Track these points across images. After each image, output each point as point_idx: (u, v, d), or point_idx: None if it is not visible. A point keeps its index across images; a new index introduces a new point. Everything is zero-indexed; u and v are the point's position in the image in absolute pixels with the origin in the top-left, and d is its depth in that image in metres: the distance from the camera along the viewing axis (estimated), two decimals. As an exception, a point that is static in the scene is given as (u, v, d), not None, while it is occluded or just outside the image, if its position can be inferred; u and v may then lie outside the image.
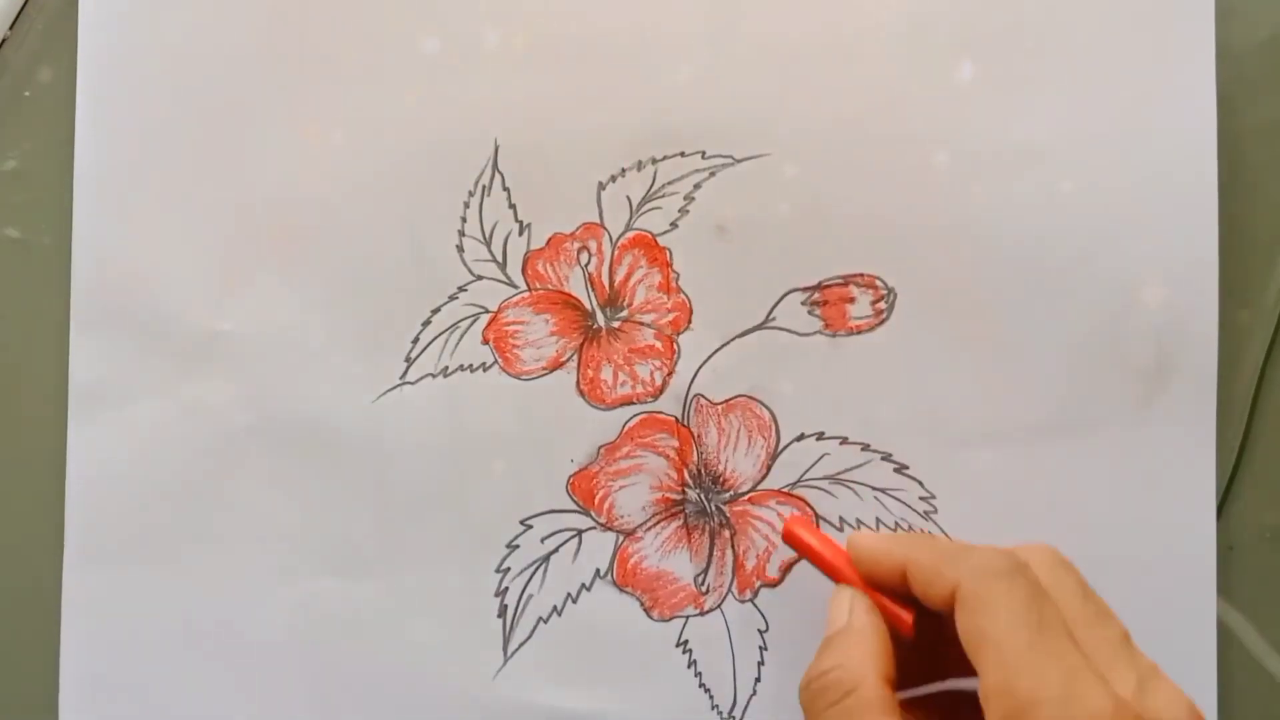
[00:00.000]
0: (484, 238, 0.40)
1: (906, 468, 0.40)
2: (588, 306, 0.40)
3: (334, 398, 0.40)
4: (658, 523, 0.40)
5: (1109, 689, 0.27)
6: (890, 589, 0.33)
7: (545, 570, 0.40)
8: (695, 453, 0.40)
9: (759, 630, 0.40)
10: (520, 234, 0.40)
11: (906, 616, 0.33)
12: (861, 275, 0.40)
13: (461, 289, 0.40)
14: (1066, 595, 0.31)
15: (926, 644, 0.32)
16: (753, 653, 0.40)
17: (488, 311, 0.40)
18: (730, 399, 0.40)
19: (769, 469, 0.40)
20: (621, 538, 0.40)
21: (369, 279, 0.40)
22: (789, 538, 0.36)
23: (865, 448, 0.40)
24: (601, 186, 0.40)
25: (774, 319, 0.40)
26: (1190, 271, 0.40)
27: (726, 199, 0.40)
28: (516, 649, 0.40)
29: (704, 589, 0.40)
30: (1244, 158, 0.41)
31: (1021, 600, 0.29)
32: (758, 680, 0.40)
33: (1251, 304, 0.41)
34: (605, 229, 0.40)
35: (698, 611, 0.40)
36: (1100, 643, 0.30)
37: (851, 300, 0.40)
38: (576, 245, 0.40)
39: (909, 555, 0.32)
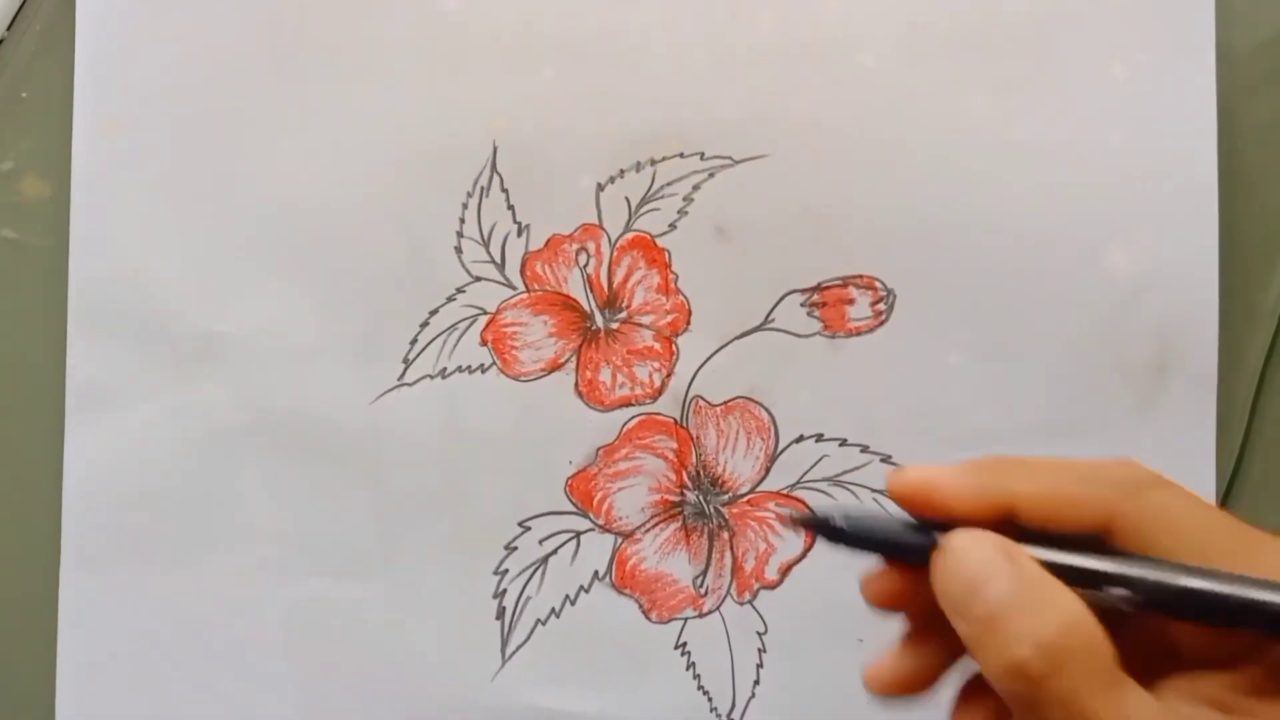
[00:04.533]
0: (482, 239, 0.40)
1: (906, 469, 0.40)
2: (586, 308, 0.40)
3: (332, 399, 0.40)
4: (656, 524, 0.40)
5: None
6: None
7: (543, 572, 0.40)
8: (694, 454, 0.40)
9: (758, 632, 0.40)
10: (519, 235, 0.40)
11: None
12: (860, 277, 0.40)
13: (460, 290, 0.40)
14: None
15: None
16: (751, 655, 0.40)
17: (486, 313, 0.40)
18: (729, 400, 0.40)
19: (768, 470, 0.40)
20: (620, 539, 0.40)
21: (367, 280, 0.40)
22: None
23: (864, 449, 0.40)
24: (600, 188, 0.40)
25: (773, 320, 0.40)
26: (1190, 271, 0.40)
27: (725, 200, 0.40)
28: (515, 651, 0.40)
29: (702, 591, 0.40)
30: (1244, 158, 0.41)
31: (1197, 508, 0.25)
32: (756, 682, 0.40)
33: (1251, 304, 0.41)
34: (604, 230, 0.40)
35: (696, 613, 0.40)
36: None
37: (851, 301, 0.40)
38: (575, 246, 0.40)
39: (1014, 489, 0.26)
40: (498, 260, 0.40)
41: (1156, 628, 0.26)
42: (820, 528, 0.27)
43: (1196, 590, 0.24)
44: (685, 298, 0.40)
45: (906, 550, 0.26)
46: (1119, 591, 0.25)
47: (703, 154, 0.40)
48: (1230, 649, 0.26)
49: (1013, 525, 0.26)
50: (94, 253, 0.40)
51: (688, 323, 0.40)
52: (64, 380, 0.40)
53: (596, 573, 0.40)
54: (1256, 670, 0.25)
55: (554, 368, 0.40)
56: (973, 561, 0.26)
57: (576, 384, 0.40)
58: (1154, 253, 0.40)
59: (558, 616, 0.40)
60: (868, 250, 0.40)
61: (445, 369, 0.40)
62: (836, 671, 0.40)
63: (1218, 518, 0.26)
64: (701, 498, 0.40)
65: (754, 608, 0.40)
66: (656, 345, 0.40)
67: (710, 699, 0.40)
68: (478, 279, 0.40)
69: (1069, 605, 0.25)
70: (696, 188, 0.40)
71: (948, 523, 0.26)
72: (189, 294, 0.40)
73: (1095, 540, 0.26)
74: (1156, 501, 0.26)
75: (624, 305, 0.40)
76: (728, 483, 0.40)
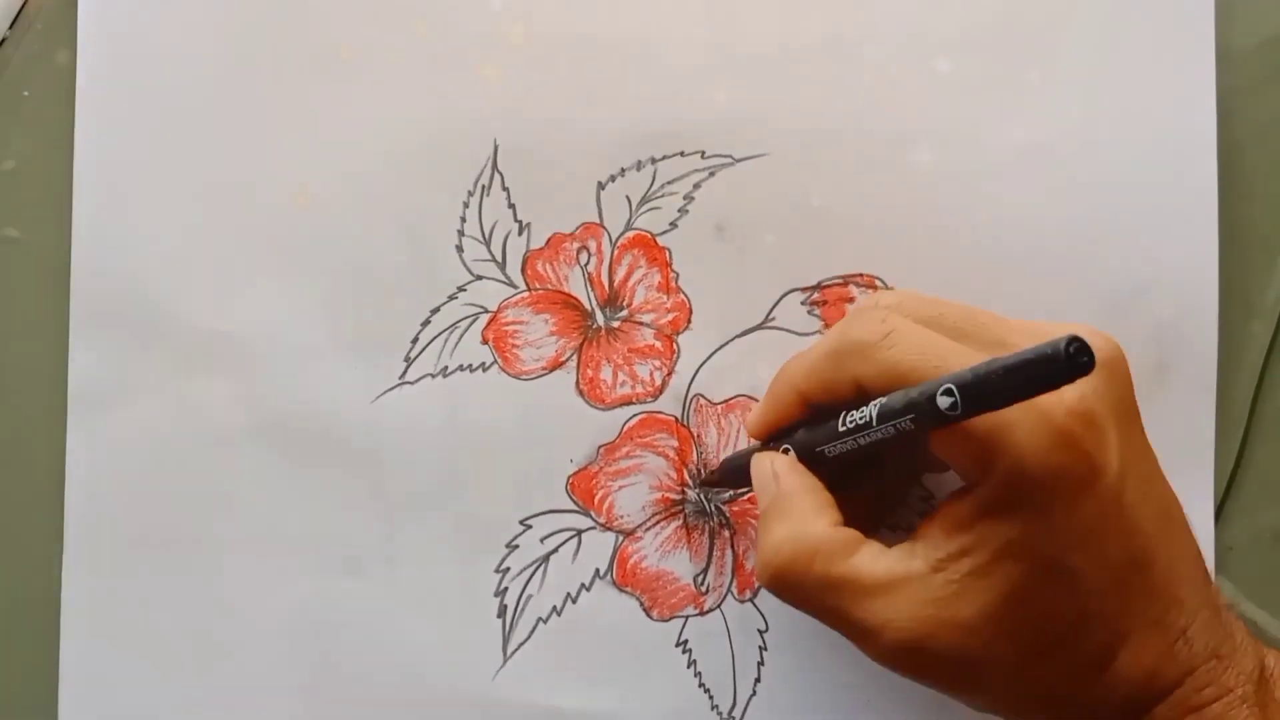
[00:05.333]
0: (483, 237, 0.40)
1: (906, 468, 0.40)
2: (587, 306, 0.40)
3: (333, 398, 0.40)
4: (657, 523, 0.40)
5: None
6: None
7: (545, 570, 0.40)
8: (695, 452, 0.40)
9: (759, 630, 0.40)
10: (520, 234, 0.40)
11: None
12: (861, 275, 0.40)
13: (461, 289, 0.40)
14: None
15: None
16: (753, 653, 0.40)
17: (487, 311, 0.40)
18: (730, 399, 0.40)
19: (769, 469, 0.40)
20: (621, 538, 0.40)
21: (368, 279, 0.40)
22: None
23: (865, 448, 0.40)
24: (601, 186, 0.40)
25: (774, 319, 0.40)
26: (1190, 272, 0.40)
27: (726, 199, 0.40)
28: (516, 649, 0.40)
29: (704, 589, 0.40)
30: (1244, 158, 0.41)
31: (918, 343, 0.31)
32: (758, 680, 0.40)
33: (1252, 304, 0.41)
34: (605, 229, 0.40)
35: (697, 611, 0.40)
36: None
37: (851, 300, 0.40)
38: (576, 245, 0.40)
39: (797, 387, 0.33)
40: (499, 259, 0.40)
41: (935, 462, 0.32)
42: (709, 481, 0.39)
43: (912, 399, 0.29)
44: (686, 296, 0.40)
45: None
46: (896, 425, 0.30)
47: (703, 153, 0.40)
48: (973, 473, 0.30)
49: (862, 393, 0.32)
50: (95, 253, 0.40)
51: (688, 321, 0.40)
52: (65, 380, 0.40)
53: (598, 571, 0.40)
54: (988, 488, 0.30)
55: (555, 366, 0.40)
56: (756, 478, 0.34)
57: (577, 382, 0.40)
58: (1154, 253, 0.40)
59: (559, 614, 0.40)
60: (868, 249, 0.40)
61: (446, 367, 0.40)
62: (838, 670, 0.39)
63: (938, 344, 0.30)
64: (702, 496, 0.40)
65: (755, 606, 0.40)
66: (657, 343, 0.40)
67: (711, 697, 0.40)
68: (479, 277, 0.40)
69: (799, 523, 0.31)
70: (697, 186, 0.40)
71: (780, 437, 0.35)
72: (190, 293, 0.40)
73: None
74: (883, 355, 0.31)
75: (625, 304, 0.40)
76: (729, 481, 0.40)
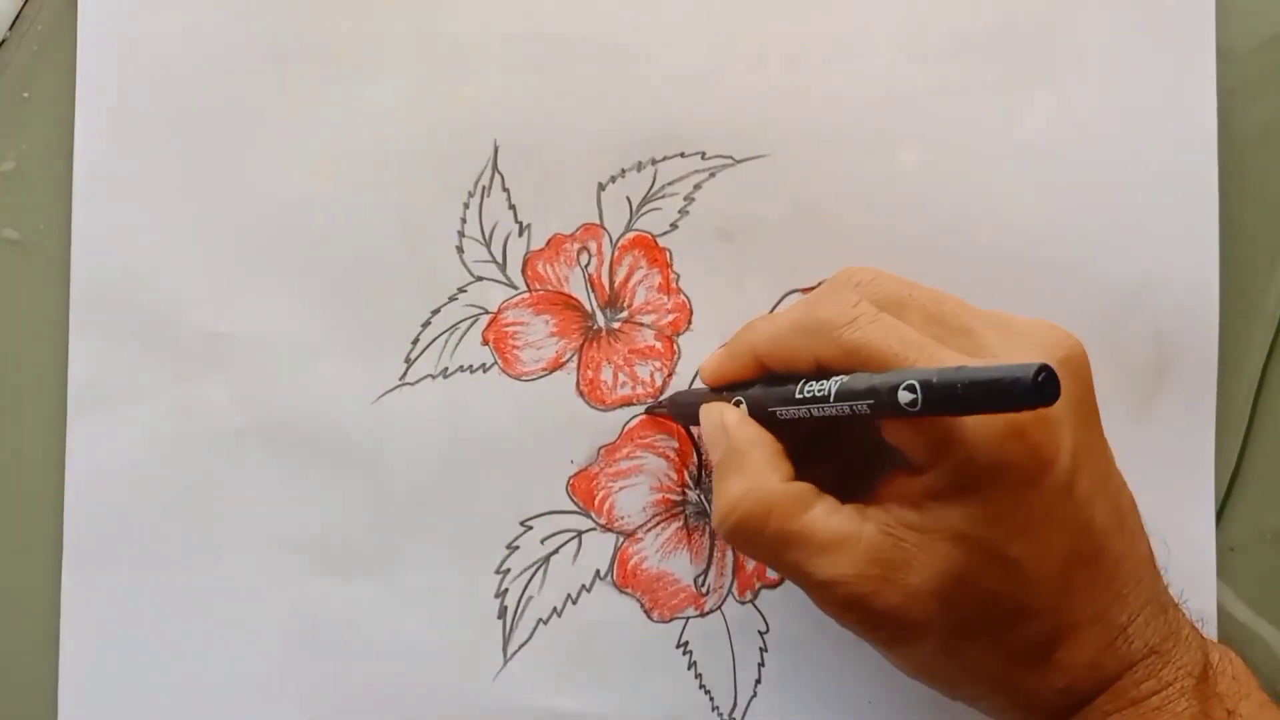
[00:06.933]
0: (484, 238, 0.40)
1: (907, 468, 0.40)
2: (588, 307, 0.40)
3: (333, 399, 0.40)
4: (658, 524, 0.40)
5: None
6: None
7: (545, 571, 0.40)
8: (695, 454, 0.40)
9: (759, 631, 0.40)
10: (520, 235, 0.40)
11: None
12: (862, 276, 0.40)
13: (461, 290, 0.40)
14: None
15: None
16: (753, 654, 0.40)
17: (487, 312, 0.40)
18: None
19: (769, 470, 0.40)
20: (621, 539, 0.40)
21: (368, 280, 0.40)
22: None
23: (865, 448, 0.40)
24: (601, 187, 0.40)
25: (774, 320, 0.40)
26: (1190, 272, 0.40)
27: (726, 200, 0.40)
28: (516, 650, 0.40)
29: (704, 590, 0.40)
30: (1244, 158, 0.41)
31: (883, 334, 0.31)
32: (758, 682, 0.40)
33: (1252, 304, 0.41)
34: (605, 230, 0.40)
35: (698, 613, 0.40)
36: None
37: (852, 301, 0.40)
38: (576, 246, 0.40)
39: (756, 350, 0.34)
40: (499, 260, 0.40)
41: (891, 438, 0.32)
42: (655, 409, 0.39)
43: (860, 387, 0.30)
44: (686, 297, 0.40)
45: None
46: (852, 406, 0.30)
47: (704, 154, 0.40)
48: (925, 456, 0.31)
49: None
50: (95, 253, 0.40)
51: (689, 322, 0.40)
52: (65, 380, 0.40)
53: (598, 572, 0.40)
54: (936, 475, 0.30)
55: (555, 367, 0.40)
56: (706, 427, 0.35)
57: (578, 383, 0.40)
58: (1154, 253, 0.40)
59: (559, 616, 0.40)
60: (868, 250, 0.40)
61: (447, 368, 0.40)
62: (838, 671, 0.40)
63: (900, 332, 0.31)
64: (703, 497, 0.40)
65: (755, 607, 0.40)
66: (658, 344, 0.40)
67: (712, 698, 0.40)
68: (479, 278, 0.40)
69: (754, 478, 0.32)
70: (698, 187, 0.40)
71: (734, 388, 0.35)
72: (190, 294, 0.40)
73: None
74: (846, 339, 0.31)
75: (625, 305, 0.40)
76: (729, 482, 0.40)
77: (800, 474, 0.33)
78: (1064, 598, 0.31)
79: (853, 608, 0.31)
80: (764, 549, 0.32)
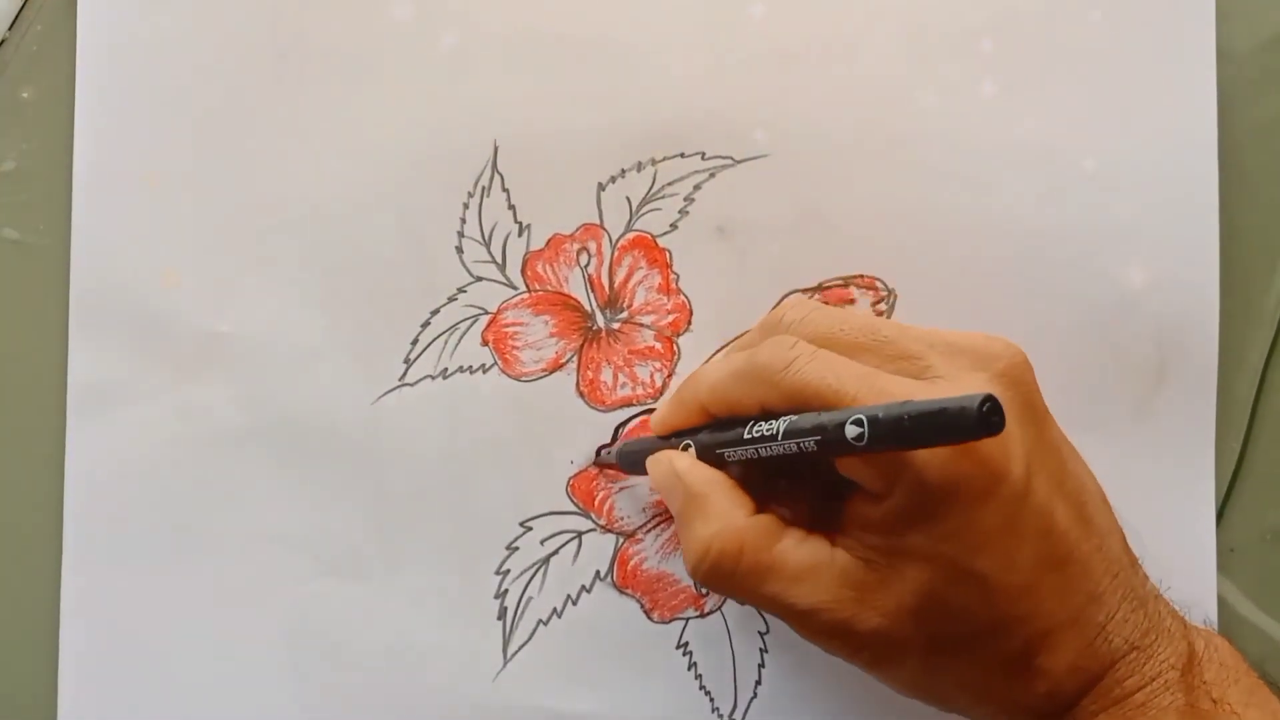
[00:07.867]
0: (483, 239, 0.40)
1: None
2: (587, 308, 0.40)
3: (333, 399, 0.40)
4: (658, 524, 0.40)
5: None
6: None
7: (545, 572, 0.40)
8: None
9: (759, 632, 0.40)
10: (520, 235, 0.40)
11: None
12: (861, 276, 0.40)
13: (461, 290, 0.40)
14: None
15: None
16: (753, 655, 0.40)
17: (487, 313, 0.40)
18: (730, 400, 0.40)
19: (769, 470, 0.40)
20: (621, 539, 0.40)
21: (368, 280, 0.40)
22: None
23: (865, 449, 0.40)
24: (601, 187, 0.40)
25: (774, 320, 0.40)
26: (1190, 272, 0.40)
27: (726, 200, 0.40)
28: (516, 651, 0.40)
29: (704, 591, 0.40)
30: (1244, 158, 0.41)
31: (822, 371, 0.32)
32: (758, 682, 0.40)
33: (1252, 304, 0.41)
34: (605, 230, 0.40)
35: (698, 613, 0.40)
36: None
37: (851, 302, 0.40)
38: (576, 246, 0.40)
39: (700, 399, 0.35)
40: (499, 260, 0.40)
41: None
42: (601, 462, 0.39)
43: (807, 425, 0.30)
44: (686, 298, 0.40)
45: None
46: (799, 444, 0.30)
47: (703, 154, 0.40)
48: (880, 485, 0.31)
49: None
50: (94, 253, 0.40)
51: (689, 323, 0.40)
52: (65, 380, 0.40)
53: (598, 573, 0.40)
54: (893, 501, 0.31)
55: (555, 368, 0.40)
56: (657, 477, 0.35)
57: (578, 384, 0.40)
58: (1154, 253, 0.40)
59: (559, 616, 0.40)
60: (868, 250, 0.40)
61: (446, 369, 0.40)
62: (838, 672, 0.39)
63: (837, 366, 0.31)
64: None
65: (756, 608, 0.40)
66: (658, 345, 0.40)
67: (712, 699, 0.40)
68: (479, 279, 0.40)
69: (720, 519, 0.32)
70: (697, 188, 0.40)
71: (682, 434, 0.36)
72: (190, 294, 0.40)
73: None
74: (787, 383, 0.31)
75: (625, 305, 0.40)
76: (729, 482, 0.40)
77: (763, 513, 0.33)
78: (1037, 605, 0.31)
79: (834, 634, 0.32)
80: (741, 586, 0.32)
